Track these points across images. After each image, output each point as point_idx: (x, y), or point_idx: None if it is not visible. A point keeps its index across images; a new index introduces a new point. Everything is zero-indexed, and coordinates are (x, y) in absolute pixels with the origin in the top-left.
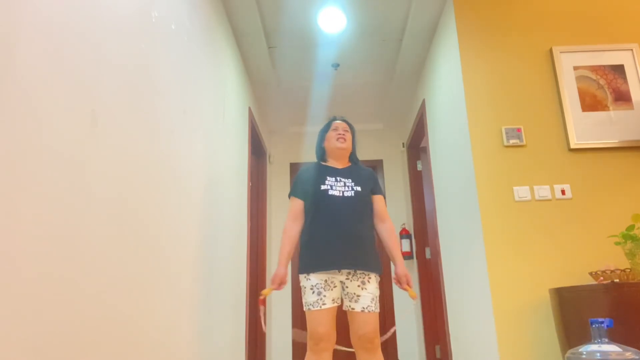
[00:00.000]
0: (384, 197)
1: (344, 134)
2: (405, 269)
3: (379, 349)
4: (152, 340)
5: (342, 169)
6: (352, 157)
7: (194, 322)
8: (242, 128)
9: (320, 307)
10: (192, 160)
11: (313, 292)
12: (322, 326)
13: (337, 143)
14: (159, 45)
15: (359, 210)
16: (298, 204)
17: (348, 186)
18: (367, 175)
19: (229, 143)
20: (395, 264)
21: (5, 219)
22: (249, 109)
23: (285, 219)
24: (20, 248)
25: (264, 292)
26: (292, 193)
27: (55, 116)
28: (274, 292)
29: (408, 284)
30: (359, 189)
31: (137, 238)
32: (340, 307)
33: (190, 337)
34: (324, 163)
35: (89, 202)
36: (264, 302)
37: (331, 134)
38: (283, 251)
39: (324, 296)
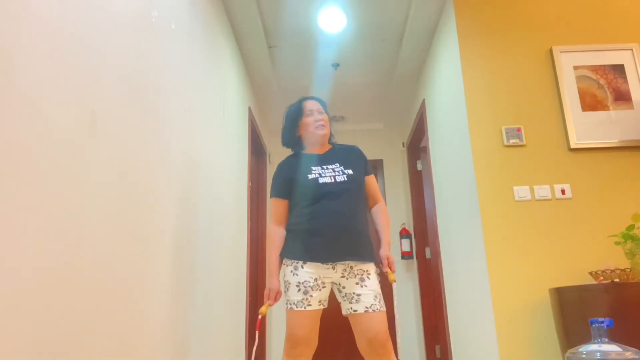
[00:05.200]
0: (374, 176)
1: (322, 119)
2: (388, 251)
3: (392, 353)
4: (150, 339)
5: (324, 154)
6: (330, 138)
7: (193, 322)
8: (242, 128)
9: (305, 307)
10: (192, 159)
11: (299, 290)
12: (302, 329)
13: (318, 130)
14: (159, 45)
15: (354, 195)
16: (281, 204)
17: (337, 171)
18: (355, 156)
19: (229, 143)
20: (381, 245)
21: (6, 217)
22: (249, 108)
23: (269, 223)
24: (21, 246)
25: (262, 310)
26: (274, 194)
27: (56, 116)
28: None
29: (390, 267)
30: (350, 172)
31: (136, 236)
32: (330, 311)
33: (190, 337)
34: (304, 152)
35: (89, 202)
36: (261, 323)
37: (308, 121)
38: (272, 261)
39: (311, 296)
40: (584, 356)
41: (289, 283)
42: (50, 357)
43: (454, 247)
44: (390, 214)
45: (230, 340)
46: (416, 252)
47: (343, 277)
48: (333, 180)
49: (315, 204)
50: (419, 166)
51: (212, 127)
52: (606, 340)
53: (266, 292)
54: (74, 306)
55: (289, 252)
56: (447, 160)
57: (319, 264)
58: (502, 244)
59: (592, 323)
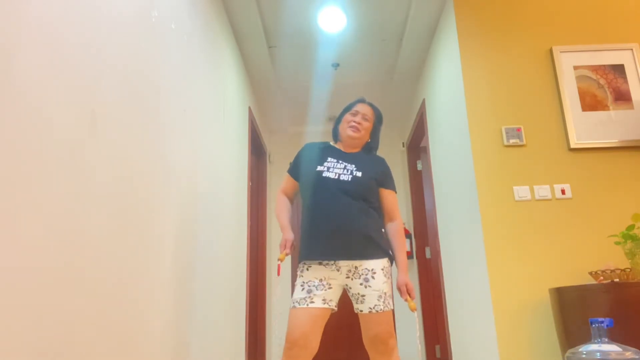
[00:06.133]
0: (395, 193)
1: (359, 123)
2: (406, 276)
3: (395, 351)
4: (150, 339)
5: (348, 153)
6: (368, 146)
7: (193, 321)
8: (242, 128)
9: (307, 305)
10: (192, 159)
11: (303, 289)
12: (299, 328)
13: (348, 131)
14: (159, 44)
15: (355, 197)
16: (290, 182)
17: (348, 170)
18: (375, 164)
19: (229, 142)
20: (398, 270)
21: (6, 217)
22: (249, 108)
23: (278, 191)
24: (21, 246)
25: (280, 257)
26: (289, 169)
27: (56, 116)
28: (274, 292)
29: (409, 294)
30: (359, 174)
31: (136, 236)
32: (335, 313)
33: (190, 337)
34: (332, 144)
35: (89, 202)
36: (280, 269)
37: (347, 118)
38: (282, 218)
39: (314, 295)
40: (584, 356)
41: (296, 284)
42: (50, 357)
43: (454, 247)
44: None
45: (230, 341)
46: (416, 252)
47: (348, 277)
48: (336, 177)
49: (316, 198)
50: (419, 166)
51: (212, 127)
52: (606, 340)
53: (282, 242)
54: (74, 306)
55: (299, 258)
56: (447, 160)
57: (322, 267)
58: (502, 244)
59: (592, 323)
